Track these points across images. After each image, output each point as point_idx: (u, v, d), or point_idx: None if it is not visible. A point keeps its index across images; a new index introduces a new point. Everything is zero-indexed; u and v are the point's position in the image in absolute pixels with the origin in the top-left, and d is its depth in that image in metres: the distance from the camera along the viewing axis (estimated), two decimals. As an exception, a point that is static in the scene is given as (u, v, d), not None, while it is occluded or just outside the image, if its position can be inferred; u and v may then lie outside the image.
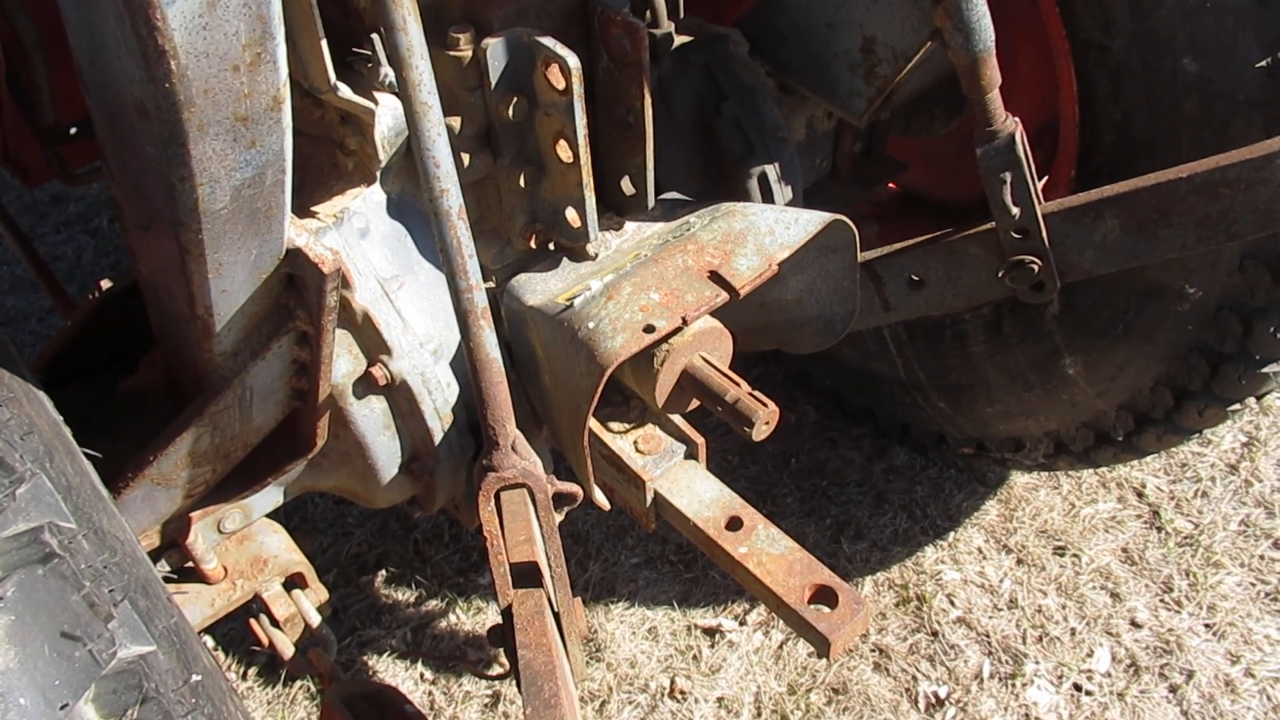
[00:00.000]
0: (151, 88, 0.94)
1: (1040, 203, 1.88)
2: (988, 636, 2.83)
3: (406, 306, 1.72)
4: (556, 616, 1.53)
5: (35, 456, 1.03)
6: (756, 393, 1.68)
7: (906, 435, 3.13)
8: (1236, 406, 2.26)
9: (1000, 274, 1.98)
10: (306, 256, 1.30)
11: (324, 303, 1.34)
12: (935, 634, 2.85)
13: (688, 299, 1.69)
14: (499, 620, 1.58)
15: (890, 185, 2.79)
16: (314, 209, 1.66)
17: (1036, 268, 1.93)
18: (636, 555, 3.09)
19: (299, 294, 1.38)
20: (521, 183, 1.76)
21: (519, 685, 1.41)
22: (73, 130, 2.01)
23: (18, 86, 1.92)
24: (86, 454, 1.26)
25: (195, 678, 1.08)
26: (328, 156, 1.70)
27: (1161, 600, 2.89)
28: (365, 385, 1.70)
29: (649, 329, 1.64)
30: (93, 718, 0.93)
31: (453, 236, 1.37)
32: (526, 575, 1.51)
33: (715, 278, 1.73)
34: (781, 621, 2.68)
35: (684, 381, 1.76)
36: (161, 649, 1.05)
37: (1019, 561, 3.01)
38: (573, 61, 1.55)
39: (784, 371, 3.44)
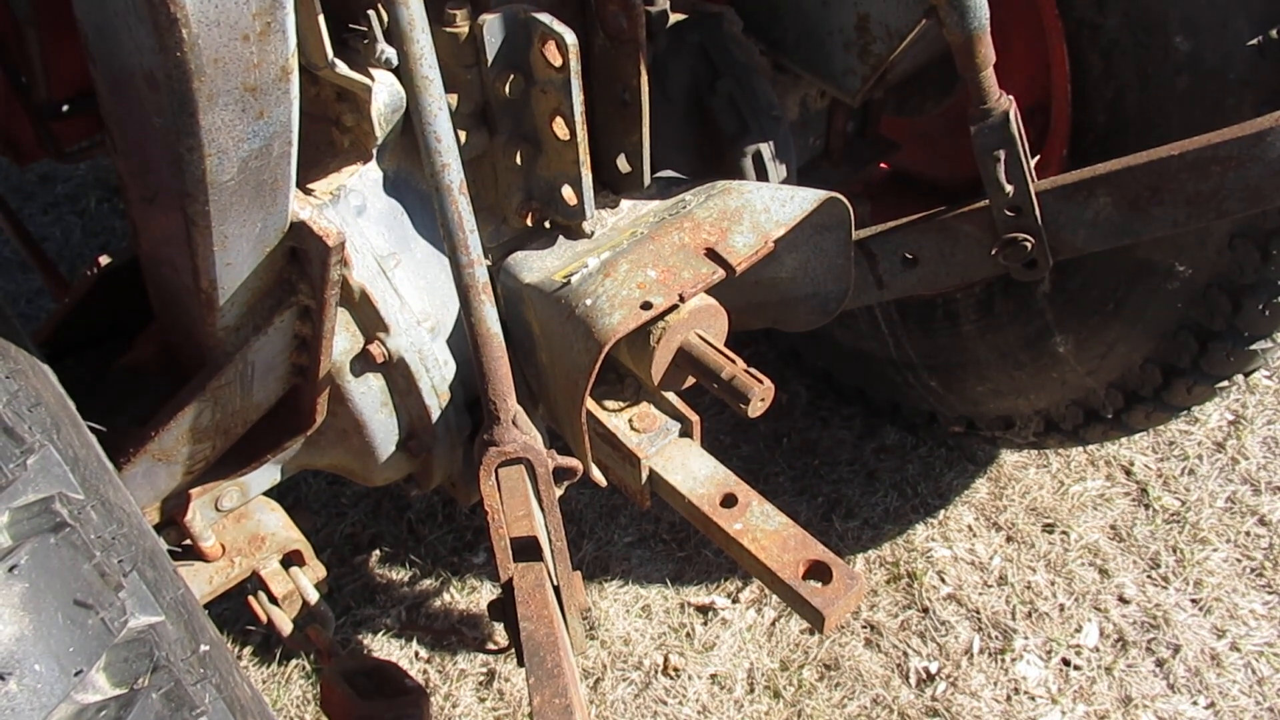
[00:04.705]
0: (162, 56, 0.94)
1: (1033, 180, 1.90)
2: (978, 613, 2.86)
3: (403, 284, 1.72)
4: (556, 590, 1.54)
5: (43, 428, 1.03)
6: (752, 369, 1.68)
7: (897, 414, 3.15)
8: (1225, 384, 2.29)
9: (993, 252, 1.99)
10: (311, 230, 1.30)
11: (327, 276, 1.34)
12: (926, 610, 2.87)
13: (684, 276, 1.70)
14: (496, 596, 1.59)
15: (882, 165, 2.80)
16: (310, 186, 1.65)
17: (1029, 245, 1.95)
18: (630, 534, 3.10)
19: (302, 268, 1.38)
20: (518, 160, 1.76)
21: (520, 658, 1.42)
22: (65, 107, 2.00)
23: (9, 62, 1.91)
24: (90, 427, 1.26)
25: (204, 648, 1.09)
26: (324, 134, 1.69)
27: (1149, 576, 2.93)
28: (363, 363, 1.70)
29: (646, 306, 1.64)
30: (104, 685, 0.94)
31: (454, 212, 1.38)
32: (526, 549, 1.52)
33: (712, 255, 1.74)
34: (775, 598, 2.71)
35: (680, 359, 1.77)
36: (170, 619, 1.05)
37: (1009, 539, 3.04)
38: (570, 38, 1.56)
39: (776, 351, 3.46)
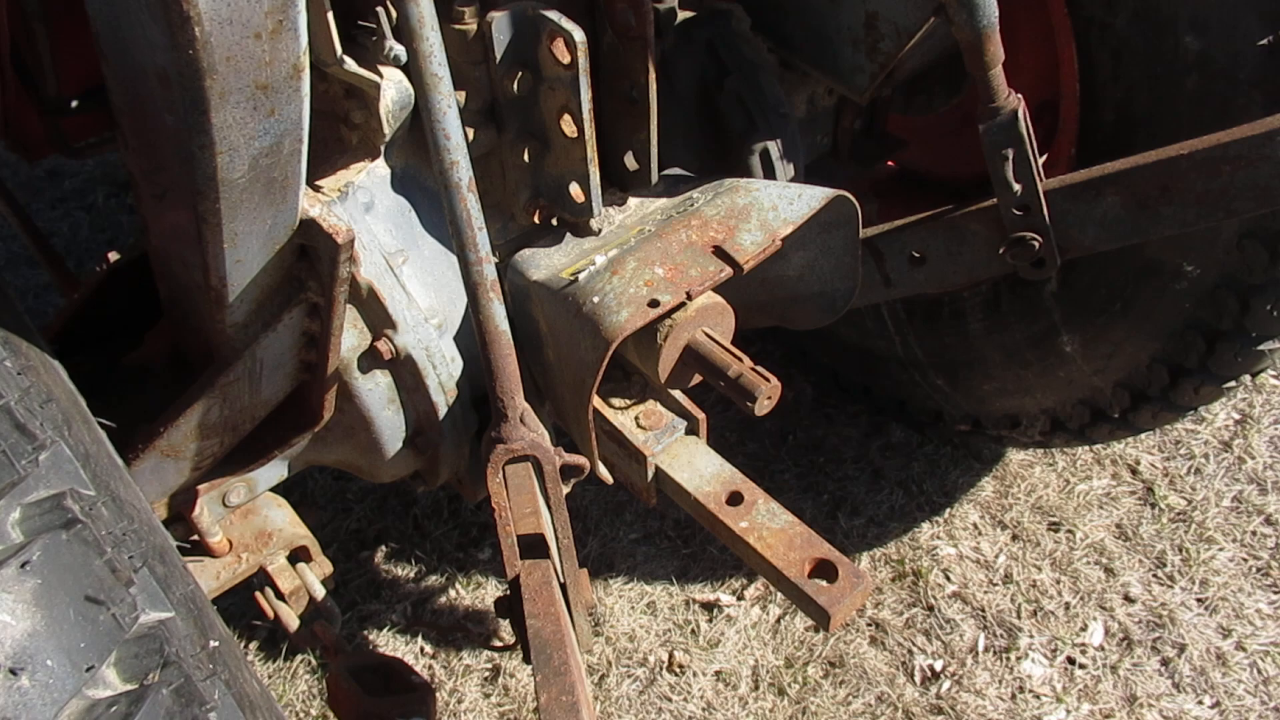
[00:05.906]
0: (174, 54, 0.94)
1: (1041, 179, 1.89)
2: (983, 611, 2.86)
3: (411, 281, 1.72)
4: (563, 587, 1.55)
5: (54, 424, 1.03)
6: (759, 368, 1.69)
7: (903, 412, 3.14)
8: (1232, 384, 2.28)
9: (1001, 250, 1.99)
10: (320, 227, 1.30)
11: (336, 273, 1.34)
12: (931, 608, 2.87)
13: (692, 274, 1.70)
14: (501, 593, 1.60)
15: (890, 163, 2.80)
16: (318, 183, 1.65)
17: (1037, 244, 1.95)
18: (635, 531, 3.11)
19: (311, 265, 1.38)
20: (525, 157, 1.76)
21: (526, 655, 1.42)
22: (74, 103, 2.00)
23: (18, 59, 1.91)
24: (100, 423, 1.27)
25: (213, 644, 1.09)
26: (331, 131, 1.69)
27: (1154, 575, 2.92)
28: (370, 360, 1.71)
29: (653, 304, 1.64)
30: (115, 681, 0.94)
31: (462, 209, 1.38)
32: (533, 546, 1.52)
33: (719, 253, 1.74)
34: (780, 595, 2.71)
35: (687, 356, 1.77)
36: (180, 615, 1.06)
37: (1014, 537, 3.04)
38: (578, 36, 1.56)
39: (782, 349, 3.46)
